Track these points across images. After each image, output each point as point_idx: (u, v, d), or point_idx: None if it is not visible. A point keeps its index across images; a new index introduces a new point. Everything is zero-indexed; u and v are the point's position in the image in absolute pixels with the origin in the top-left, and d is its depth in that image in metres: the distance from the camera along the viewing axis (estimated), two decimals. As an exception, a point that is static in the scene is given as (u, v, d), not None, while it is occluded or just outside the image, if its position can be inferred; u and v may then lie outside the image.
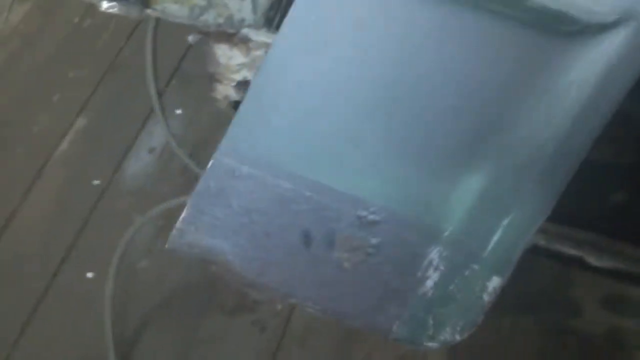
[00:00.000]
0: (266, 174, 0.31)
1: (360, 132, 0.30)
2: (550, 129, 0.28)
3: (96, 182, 1.11)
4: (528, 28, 0.28)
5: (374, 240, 0.30)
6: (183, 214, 0.32)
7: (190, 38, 0.63)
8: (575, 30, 0.27)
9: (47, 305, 1.00)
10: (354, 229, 0.30)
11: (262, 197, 0.31)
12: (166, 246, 0.32)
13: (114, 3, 0.50)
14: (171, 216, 1.05)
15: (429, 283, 0.30)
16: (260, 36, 0.48)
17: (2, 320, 0.99)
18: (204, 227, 0.31)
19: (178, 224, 0.32)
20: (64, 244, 1.05)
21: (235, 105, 0.58)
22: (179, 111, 1.19)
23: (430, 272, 0.30)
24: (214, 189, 0.31)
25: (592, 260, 0.72)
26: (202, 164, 1.11)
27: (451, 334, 0.30)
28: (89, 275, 1.03)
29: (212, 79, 0.59)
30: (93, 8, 0.65)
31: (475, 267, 0.29)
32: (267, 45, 0.49)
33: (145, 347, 0.98)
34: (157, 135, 1.18)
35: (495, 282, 0.29)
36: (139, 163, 1.15)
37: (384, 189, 0.30)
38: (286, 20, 0.30)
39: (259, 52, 0.51)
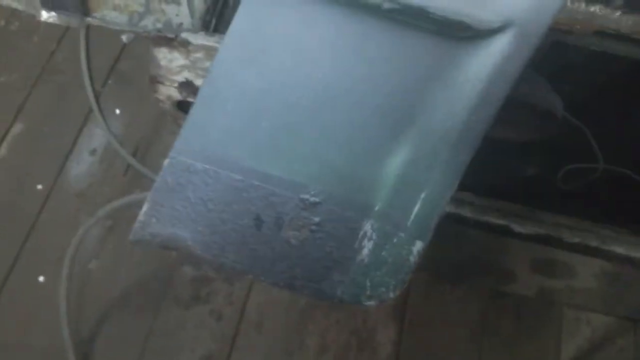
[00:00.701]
0: (218, 168, 0.35)
1: (299, 127, 0.35)
2: (452, 120, 0.34)
3: (39, 186, 1.10)
4: (431, 35, 0.33)
5: (316, 219, 0.35)
6: (144, 208, 0.35)
7: (124, 37, 0.65)
8: (469, 36, 0.33)
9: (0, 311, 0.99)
10: (299, 211, 0.35)
11: (216, 188, 0.35)
12: (130, 238, 0.36)
13: (53, 13, 0.52)
14: (118, 216, 1.07)
15: (365, 251, 0.35)
16: (198, 39, 0.51)
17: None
18: (165, 218, 0.35)
19: (140, 217, 0.35)
20: (11, 250, 1.04)
21: (179, 104, 0.61)
22: (118, 111, 1.19)
23: (365, 242, 0.35)
24: (172, 183, 0.35)
25: (517, 227, 0.80)
26: (146, 162, 1.12)
27: (386, 293, 0.35)
28: (40, 279, 1.03)
29: (154, 81, 0.61)
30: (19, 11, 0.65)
31: (402, 234, 0.34)
32: (206, 48, 0.52)
33: (103, 343, 0.99)
34: (97, 136, 1.18)
35: (418, 246, 0.35)
36: (82, 165, 1.14)
37: (322, 174, 0.35)
38: (227, 33, 0.34)
39: (198, 54, 0.54)
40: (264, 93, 0.35)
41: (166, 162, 0.35)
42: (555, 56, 0.50)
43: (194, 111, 0.35)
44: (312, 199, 0.35)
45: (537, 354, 1.03)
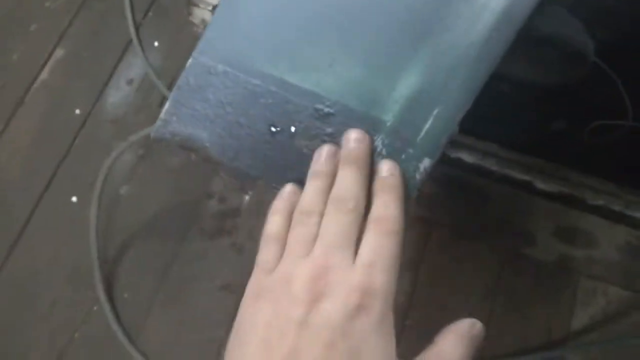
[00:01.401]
0: (238, 71, 0.35)
1: (318, 36, 0.35)
2: (472, 36, 0.34)
3: (77, 111, 1.14)
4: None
5: (329, 130, 0.36)
6: (166, 107, 0.36)
7: None
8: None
9: (33, 228, 1.05)
10: (312, 120, 0.36)
11: (235, 91, 0.36)
12: (152, 134, 0.37)
13: None
14: (150, 144, 1.10)
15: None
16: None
17: (-12, 243, 1.03)
18: (185, 117, 0.36)
19: (162, 115, 0.37)
20: (48, 170, 1.09)
21: (212, 28, 0.61)
22: (156, 43, 1.21)
23: (375, 157, 0.36)
24: (193, 84, 0.36)
25: (540, 184, 0.79)
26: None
27: (391, 208, 0.36)
28: (74, 199, 1.07)
29: (190, 3, 0.62)
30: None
31: (410, 151, 0.35)
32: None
33: (128, 265, 1.04)
34: (135, 66, 1.20)
35: (426, 163, 0.35)
36: (119, 93, 1.17)
37: (338, 86, 0.35)
38: None
39: (234, -24, 0.54)
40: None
41: (189, 62, 0.36)
42: (594, -1, 0.49)
43: (217, 13, 0.36)
44: (326, 109, 0.35)
45: (548, 318, 1.03)
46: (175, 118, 0.36)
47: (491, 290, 1.05)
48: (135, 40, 1.19)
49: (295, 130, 0.35)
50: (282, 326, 0.32)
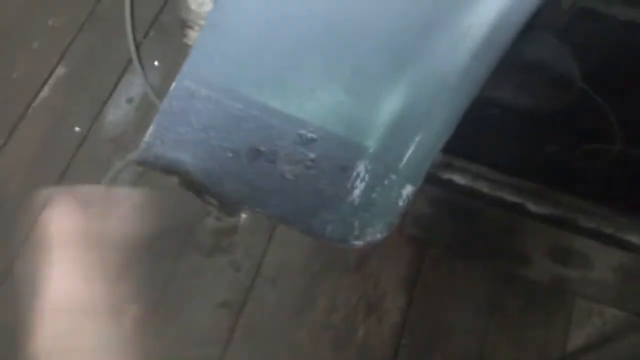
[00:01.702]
0: (221, 96, 0.36)
1: (302, 62, 0.36)
2: (453, 64, 0.34)
3: (77, 128, 1.15)
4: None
5: (311, 155, 0.36)
6: (150, 130, 0.37)
7: None
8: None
9: (32, 245, 1.05)
10: (295, 146, 0.36)
11: (217, 115, 0.36)
12: (135, 157, 0.38)
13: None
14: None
15: (356, 192, 0.36)
16: (227, -16, 0.52)
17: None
18: (168, 141, 0.37)
19: (146, 138, 0.37)
20: (47, 186, 1.09)
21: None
22: (156, 63, 1.22)
23: (358, 182, 0.36)
24: (176, 108, 0.37)
25: (532, 206, 0.80)
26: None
27: (373, 234, 0.36)
28: (70, 216, 1.08)
29: (184, 26, 0.63)
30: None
31: (393, 177, 0.35)
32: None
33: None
34: (135, 85, 1.22)
35: (408, 190, 0.36)
36: (118, 112, 1.19)
37: (321, 111, 0.36)
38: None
39: (227, 0, 0.55)
40: (270, 24, 0.36)
41: (172, 85, 0.36)
42: (581, 25, 0.49)
43: (200, 37, 0.36)
44: (310, 134, 0.36)
45: (543, 339, 1.03)
46: (159, 142, 0.36)
47: (485, 310, 1.05)
48: (135, 60, 1.21)
49: (278, 155, 0.36)
50: None
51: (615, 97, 0.51)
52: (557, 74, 0.49)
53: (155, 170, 0.38)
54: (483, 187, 0.75)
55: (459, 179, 0.74)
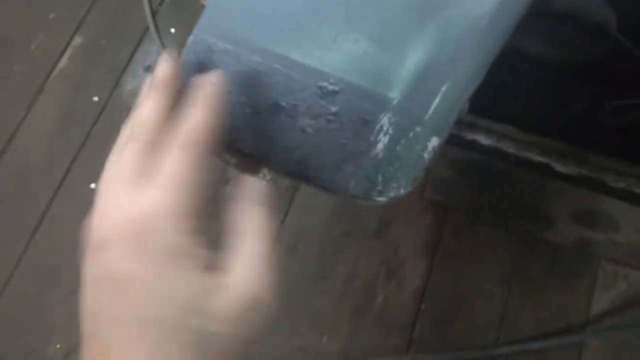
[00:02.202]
0: (240, 48, 0.35)
1: (322, 11, 0.35)
2: (481, 7, 0.33)
3: (95, 98, 1.15)
4: None
5: (333, 109, 0.35)
6: (169, 86, 0.36)
7: None
8: None
9: (53, 212, 1.07)
10: (316, 98, 0.35)
11: (236, 69, 0.35)
12: (155, 115, 0.37)
13: None
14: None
15: (380, 146, 0.35)
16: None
17: (12, 227, 1.06)
18: (187, 97, 0.36)
19: (166, 95, 0.37)
20: (67, 156, 1.10)
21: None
22: (173, 30, 1.21)
23: (381, 136, 0.35)
24: (194, 62, 0.36)
25: (559, 167, 0.78)
26: (197, 82, 1.15)
27: (397, 189, 0.35)
28: (92, 186, 1.09)
29: (201, -14, 0.62)
30: None
31: (418, 129, 0.34)
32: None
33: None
34: (152, 53, 1.21)
35: (434, 142, 0.34)
36: (136, 80, 1.18)
37: (343, 62, 0.35)
38: None
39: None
40: (289, -28, 0.35)
41: (190, 39, 0.35)
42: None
43: (218, -12, 0.35)
44: (331, 87, 0.35)
45: (566, 303, 1.01)
46: (179, 98, 0.36)
47: (508, 275, 1.04)
48: (152, 28, 1.20)
49: (299, 109, 0.35)
50: None
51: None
52: (591, 23, 0.46)
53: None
54: (509, 147, 0.73)
55: (483, 139, 0.72)
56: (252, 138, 0.36)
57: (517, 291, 1.01)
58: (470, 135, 0.72)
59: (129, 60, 1.17)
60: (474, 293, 1.01)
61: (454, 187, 1.07)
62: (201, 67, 0.35)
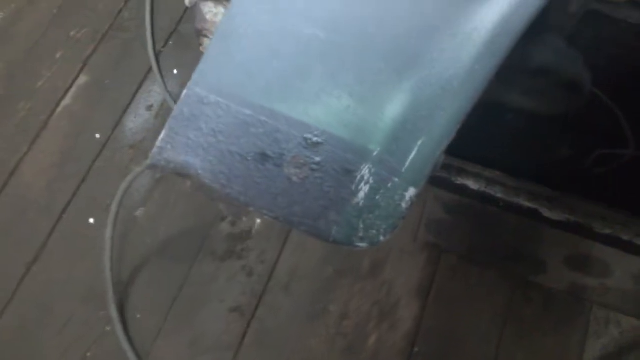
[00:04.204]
0: (230, 102, 0.37)
1: (307, 69, 0.37)
2: (456, 67, 0.35)
3: (98, 135, 1.18)
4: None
5: (317, 159, 0.37)
6: (161, 135, 0.38)
7: (187, 1, 0.68)
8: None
9: (51, 247, 1.08)
10: (301, 149, 0.37)
11: (226, 121, 0.38)
12: (147, 162, 0.39)
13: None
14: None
15: (361, 194, 0.37)
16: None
17: (9, 260, 1.06)
18: (179, 146, 0.38)
19: (158, 143, 0.39)
20: (67, 191, 1.12)
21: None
22: (175, 71, 1.25)
23: (362, 185, 0.37)
24: (187, 113, 0.38)
25: (547, 213, 0.79)
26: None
27: (377, 236, 0.37)
28: (91, 221, 1.10)
29: (200, 35, 0.65)
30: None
31: (396, 180, 0.36)
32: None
33: (140, 287, 1.06)
34: (155, 93, 1.25)
35: (411, 192, 0.36)
36: (138, 119, 1.21)
37: (326, 116, 0.37)
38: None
39: (240, 9, 0.56)
40: (276, 34, 0.37)
41: (183, 92, 0.38)
42: (589, 28, 0.49)
43: (211, 45, 0.38)
44: (315, 139, 0.37)
45: (559, 348, 1.01)
46: (170, 146, 0.37)
47: (500, 318, 1.04)
48: (155, 68, 1.24)
49: (285, 158, 0.37)
50: None
51: (626, 101, 0.51)
52: (568, 78, 0.49)
53: (167, 173, 0.39)
54: (497, 193, 0.75)
55: (472, 184, 0.74)
56: (240, 185, 0.38)
57: (510, 335, 1.01)
58: (460, 180, 0.74)
59: (132, 100, 1.21)
60: (467, 335, 1.01)
61: (448, 229, 1.08)
62: (194, 118, 0.37)
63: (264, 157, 0.37)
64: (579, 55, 0.50)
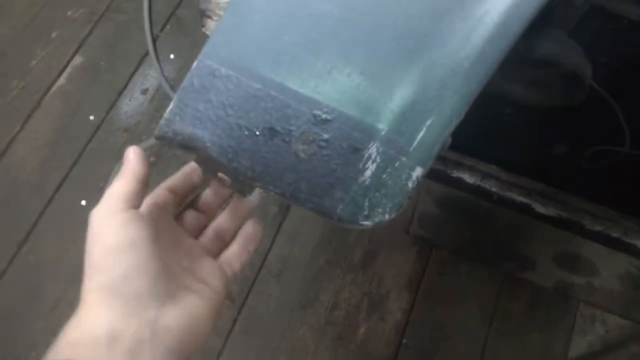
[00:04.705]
0: (241, 75, 0.37)
1: (319, 44, 0.37)
2: (466, 49, 0.35)
3: (92, 117, 1.17)
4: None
5: (325, 135, 0.37)
6: (170, 106, 0.38)
7: None
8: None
9: (42, 228, 1.07)
10: (310, 125, 0.37)
11: (236, 94, 0.38)
12: (155, 133, 0.39)
13: None
14: (161, 153, 1.12)
15: (368, 173, 0.37)
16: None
17: (-1, 240, 1.06)
18: (187, 117, 0.38)
19: (166, 114, 0.38)
20: (60, 172, 1.11)
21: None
22: (172, 56, 1.24)
23: (369, 164, 0.37)
24: (197, 85, 0.38)
25: (539, 208, 0.80)
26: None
27: (382, 215, 0.37)
28: (83, 202, 1.09)
29: (203, 15, 0.65)
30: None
31: (404, 159, 0.36)
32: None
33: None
34: (150, 77, 1.24)
35: (418, 172, 0.37)
36: (133, 102, 1.20)
37: (336, 93, 0.37)
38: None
39: (246, -10, 0.56)
40: (290, 7, 0.37)
41: (194, 64, 0.38)
42: (592, 23, 0.50)
43: (224, 18, 0.38)
44: (324, 115, 0.37)
45: (545, 345, 1.03)
46: (179, 117, 0.37)
47: (488, 313, 1.05)
48: (151, 52, 1.23)
49: (293, 134, 0.37)
50: None
51: (625, 97, 0.52)
52: (568, 72, 0.49)
53: (173, 146, 0.39)
54: (492, 187, 0.75)
55: (467, 177, 0.74)
56: (248, 159, 0.38)
57: (497, 329, 1.03)
58: (456, 173, 0.74)
59: (127, 83, 1.20)
60: (456, 329, 1.03)
61: (440, 223, 1.09)
62: (204, 90, 0.37)
63: (272, 132, 0.37)
64: (581, 48, 0.50)
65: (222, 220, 0.46)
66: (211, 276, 0.43)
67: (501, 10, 0.35)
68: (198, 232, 0.46)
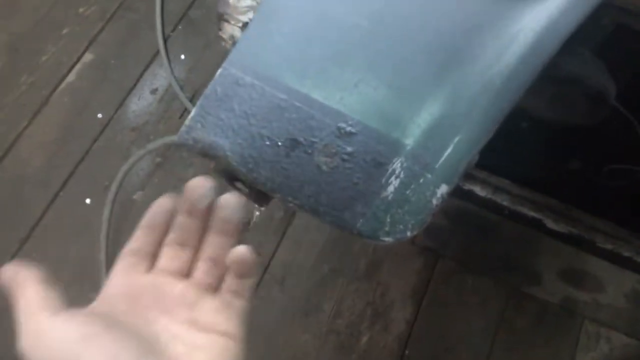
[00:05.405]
0: (265, 84, 0.37)
1: (346, 56, 0.37)
2: (499, 66, 0.35)
3: (100, 115, 1.16)
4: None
5: (349, 149, 0.37)
6: (192, 113, 0.38)
7: None
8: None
9: (45, 225, 1.06)
10: (334, 138, 0.37)
11: (260, 104, 0.37)
12: (176, 139, 0.39)
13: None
14: (168, 154, 1.11)
15: (391, 188, 0.37)
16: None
17: (2, 235, 1.05)
18: (209, 125, 0.37)
19: (187, 122, 0.38)
20: (65, 169, 1.11)
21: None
22: (182, 56, 1.24)
23: (393, 179, 0.37)
24: (220, 93, 0.37)
25: (550, 223, 0.79)
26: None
27: (403, 231, 0.37)
28: (87, 201, 1.09)
29: (221, 19, 0.64)
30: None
31: (429, 176, 0.36)
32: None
33: (134, 271, 1.05)
34: (160, 77, 1.23)
35: (443, 189, 0.36)
36: (142, 101, 1.20)
37: (362, 106, 0.36)
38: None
39: (267, -4, 0.56)
40: (318, 18, 0.37)
41: (218, 71, 0.37)
42: (617, 42, 0.50)
43: (250, 26, 0.37)
44: (349, 128, 0.36)
45: (549, 360, 1.02)
46: (200, 125, 0.37)
47: (492, 326, 1.04)
48: (162, 52, 1.23)
49: (316, 146, 0.36)
50: None
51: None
52: (591, 90, 0.49)
53: (194, 153, 0.38)
54: (503, 200, 0.75)
55: (479, 190, 0.74)
56: (268, 170, 0.37)
57: (501, 344, 1.02)
58: (468, 185, 0.74)
59: (137, 82, 1.19)
60: (459, 342, 1.02)
61: (447, 235, 1.08)
62: (227, 98, 0.36)
63: (295, 143, 0.37)
64: (605, 67, 0.50)
65: (211, 246, 0.39)
66: (219, 318, 0.37)
67: (536, 30, 0.34)
68: (188, 270, 0.38)
